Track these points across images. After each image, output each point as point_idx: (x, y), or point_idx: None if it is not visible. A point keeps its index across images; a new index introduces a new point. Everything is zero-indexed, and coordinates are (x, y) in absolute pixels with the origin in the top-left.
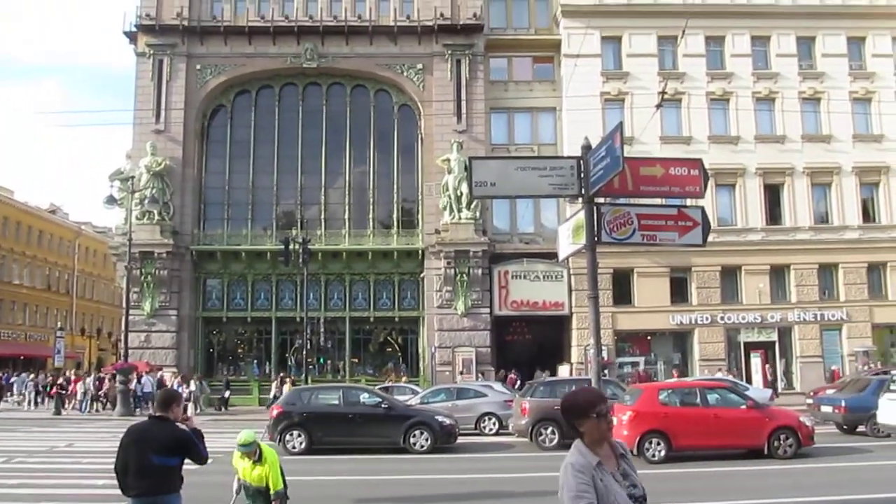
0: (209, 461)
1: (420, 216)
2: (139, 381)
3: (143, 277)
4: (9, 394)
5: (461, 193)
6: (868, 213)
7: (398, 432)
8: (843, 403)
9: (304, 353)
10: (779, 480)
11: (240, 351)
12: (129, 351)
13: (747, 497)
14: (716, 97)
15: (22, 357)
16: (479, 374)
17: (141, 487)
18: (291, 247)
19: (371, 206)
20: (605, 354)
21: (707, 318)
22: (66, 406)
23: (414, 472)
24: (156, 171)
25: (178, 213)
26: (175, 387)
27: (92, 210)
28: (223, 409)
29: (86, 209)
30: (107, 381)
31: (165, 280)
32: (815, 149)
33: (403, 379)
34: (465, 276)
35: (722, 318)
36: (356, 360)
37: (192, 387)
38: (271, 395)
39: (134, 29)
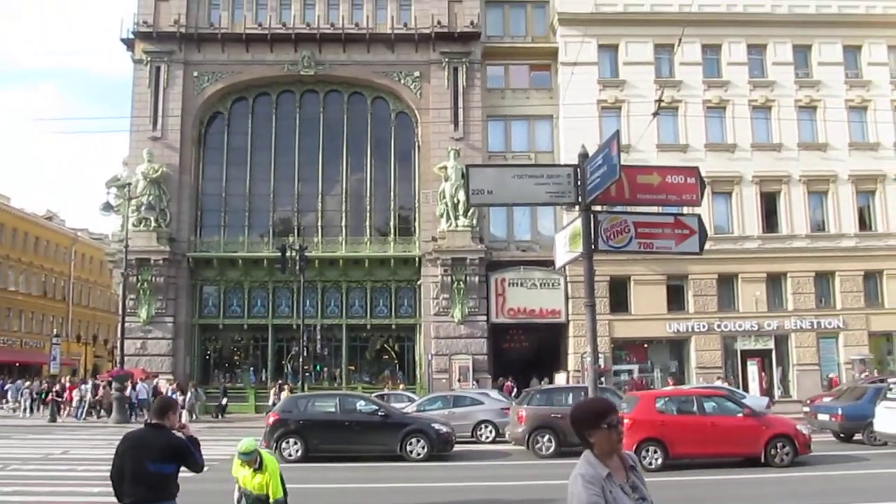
0: (205, 469)
1: (417, 224)
2: (133, 388)
3: (139, 284)
4: (3, 401)
5: (458, 201)
6: (864, 222)
7: (395, 440)
8: (839, 412)
9: (301, 360)
10: (775, 489)
11: (236, 358)
12: (125, 358)
13: None
14: (712, 105)
15: (18, 364)
16: (474, 382)
17: (136, 495)
18: (288, 254)
19: (368, 214)
20: (601, 362)
21: (704, 326)
22: (62, 413)
23: (410, 480)
24: (153, 178)
25: (175, 220)
26: (169, 394)
27: (88, 217)
28: (219, 416)
29: (82, 216)
30: (101, 388)
31: (162, 287)
32: (811, 157)
33: (401, 386)
34: (461, 283)
35: (718, 326)
36: (353, 368)
37: (189, 395)
38: (270, 403)
39: (131, 36)
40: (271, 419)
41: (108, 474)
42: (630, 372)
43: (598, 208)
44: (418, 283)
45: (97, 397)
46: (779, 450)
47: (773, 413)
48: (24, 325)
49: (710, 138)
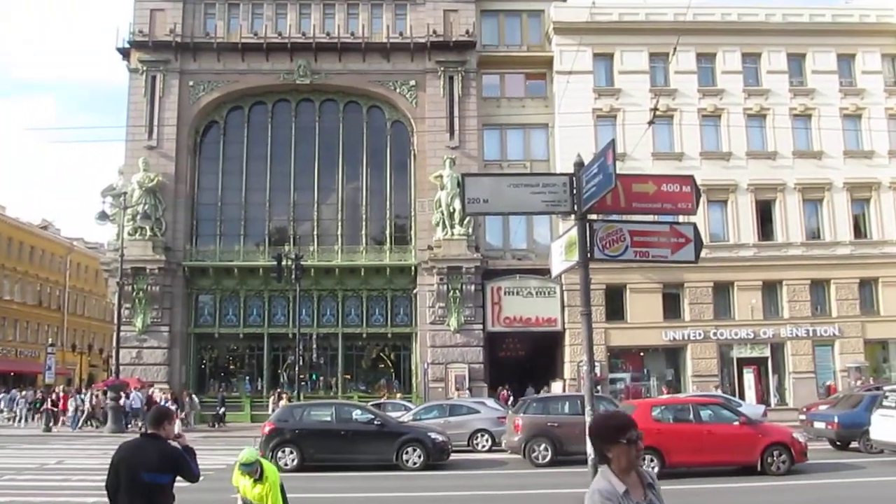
0: (201, 479)
1: (413, 232)
2: (127, 397)
3: (134, 293)
4: None
5: (454, 209)
6: (859, 229)
7: (391, 449)
8: (835, 419)
9: (297, 369)
10: (772, 497)
11: (232, 367)
12: (121, 367)
13: None
14: (707, 114)
15: (12, 373)
16: (467, 391)
17: None
18: (284, 263)
19: (364, 223)
20: (598, 371)
21: (700, 334)
22: (58, 423)
23: (406, 490)
24: (148, 187)
25: (171, 229)
26: (163, 403)
27: (84, 226)
28: (216, 425)
29: (78, 225)
30: (94, 396)
31: (157, 296)
32: (806, 165)
33: (398, 395)
34: (457, 292)
35: (714, 334)
36: (349, 377)
37: (186, 404)
38: (269, 412)
39: (127, 45)
40: (267, 428)
41: (104, 484)
42: (620, 380)
43: (594, 217)
44: (414, 291)
45: (94, 406)
46: (775, 458)
47: (770, 421)
48: (19, 335)
49: (705, 147)
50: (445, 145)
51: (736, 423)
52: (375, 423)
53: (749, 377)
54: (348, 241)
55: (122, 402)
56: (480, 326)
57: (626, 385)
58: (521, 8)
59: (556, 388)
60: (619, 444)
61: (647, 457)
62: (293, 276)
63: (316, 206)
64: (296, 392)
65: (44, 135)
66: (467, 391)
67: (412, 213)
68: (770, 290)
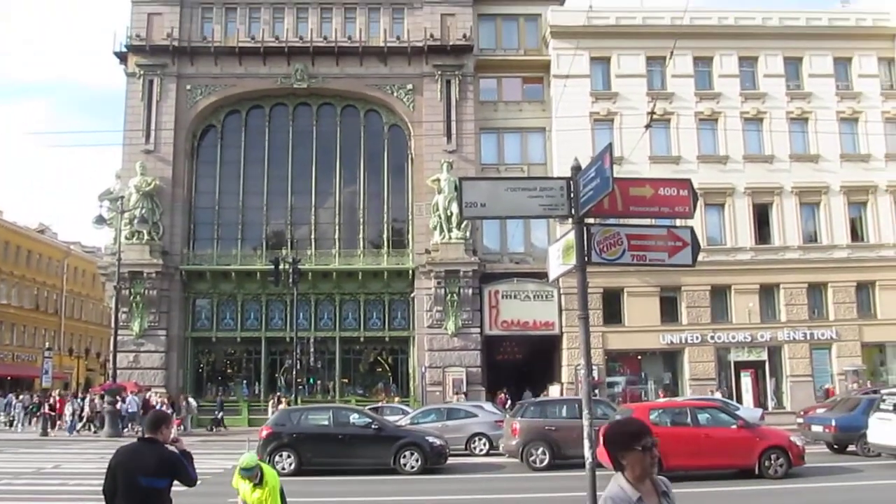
0: (198, 483)
1: (410, 236)
2: (123, 401)
3: (131, 297)
4: None
5: (451, 213)
6: (856, 233)
7: (388, 453)
8: (833, 423)
9: (294, 373)
10: (769, 501)
11: (229, 371)
12: (118, 371)
13: None
14: (704, 117)
15: (9, 377)
16: (462, 395)
17: None
18: (281, 267)
19: (361, 226)
20: (595, 374)
21: (697, 338)
22: (55, 427)
23: (404, 494)
24: (145, 191)
25: (168, 233)
26: (159, 407)
27: (81, 230)
28: (214, 429)
29: (75, 229)
30: (91, 400)
31: (154, 300)
32: (803, 168)
33: (396, 399)
34: (455, 295)
35: (712, 338)
36: (346, 381)
37: (182, 408)
38: (268, 416)
39: (124, 49)
40: (264, 432)
41: (101, 489)
42: (618, 384)
43: (591, 221)
44: (412, 295)
45: (92, 410)
46: (773, 461)
47: (767, 424)
48: (16, 339)
49: (702, 150)
50: (443, 149)
51: (733, 426)
52: (373, 426)
53: (746, 380)
54: (346, 245)
55: (118, 406)
56: (478, 330)
57: (624, 389)
58: (518, 12)
59: (554, 391)
60: (633, 450)
61: None
62: (290, 280)
63: (313, 209)
64: (293, 396)
65: (41, 139)
66: (461, 395)
67: (410, 217)
68: (767, 293)
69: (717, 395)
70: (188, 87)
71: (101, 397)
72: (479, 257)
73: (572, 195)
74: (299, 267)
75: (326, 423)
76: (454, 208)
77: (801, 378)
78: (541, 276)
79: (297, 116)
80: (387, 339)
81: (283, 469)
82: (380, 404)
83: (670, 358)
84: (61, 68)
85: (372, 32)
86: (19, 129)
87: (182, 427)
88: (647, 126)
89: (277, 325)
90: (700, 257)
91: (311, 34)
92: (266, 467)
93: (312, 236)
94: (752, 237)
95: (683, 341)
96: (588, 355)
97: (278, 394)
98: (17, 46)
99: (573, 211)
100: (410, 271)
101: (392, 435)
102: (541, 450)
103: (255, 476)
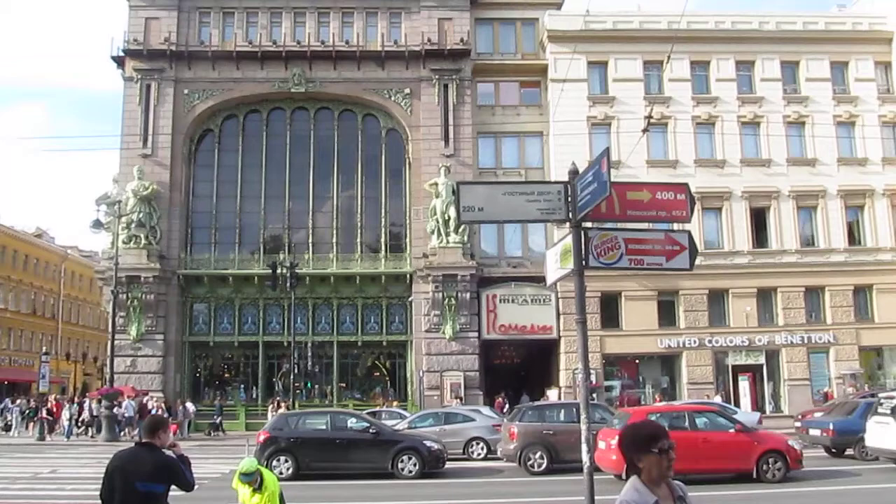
0: (196, 488)
1: (408, 240)
2: (119, 406)
3: (129, 302)
4: None
5: (449, 217)
6: (853, 236)
7: (386, 458)
8: (830, 426)
9: (292, 377)
10: None
11: (227, 375)
12: (115, 376)
13: None
14: (701, 121)
15: (6, 382)
16: (458, 399)
17: None
18: (279, 271)
19: (359, 231)
20: (593, 378)
21: (695, 342)
22: (52, 432)
23: (402, 498)
24: (143, 196)
25: (165, 238)
26: (154, 412)
27: (78, 234)
28: (211, 433)
29: (72, 233)
30: (89, 406)
31: (152, 304)
32: (800, 172)
33: (394, 404)
34: (452, 299)
35: (710, 342)
36: (344, 385)
37: (178, 413)
38: (268, 420)
39: (122, 54)
40: (262, 437)
41: (98, 494)
42: (613, 388)
43: (589, 225)
44: (409, 299)
45: (91, 415)
46: (770, 465)
47: (765, 428)
48: (13, 343)
49: (699, 154)
50: (440, 153)
51: (731, 430)
52: (371, 431)
53: (744, 384)
54: (343, 249)
55: (115, 410)
56: (476, 334)
57: (621, 393)
58: (515, 16)
59: (552, 395)
60: (650, 453)
61: None
62: (288, 285)
63: (311, 214)
64: (291, 400)
65: (38, 143)
66: (457, 399)
67: (407, 221)
68: (765, 297)
69: (718, 399)
70: (186, 91)
71: (99, 402)
72: (477, 261)
73: (570, 199)
74: (297, 271)
75: (324, 427)
76: (452, 212)
77: (798, 382)
78: (538, 280)
79: (295, 120)
80: (384, 343)
81: (281, 474)
82: (377, 408)
83: (668, 362)
84: (58, 72)
85: (369, 37)
86: (16, 133)
87: (179, 432)
88: (645, 130)
89: (275, 329)
90: (697, 261)
91: (308, 38)
92: (266, 472)
93: (310, 240)
94: (750, 241)
95: (681, 345)
96: (586, 359)
97: (277, 398)
98: (14, 50)
99: (571, 215)
100: (408, 275)
101: (390, 439)
102: (539, 454)
103: (254, 481)
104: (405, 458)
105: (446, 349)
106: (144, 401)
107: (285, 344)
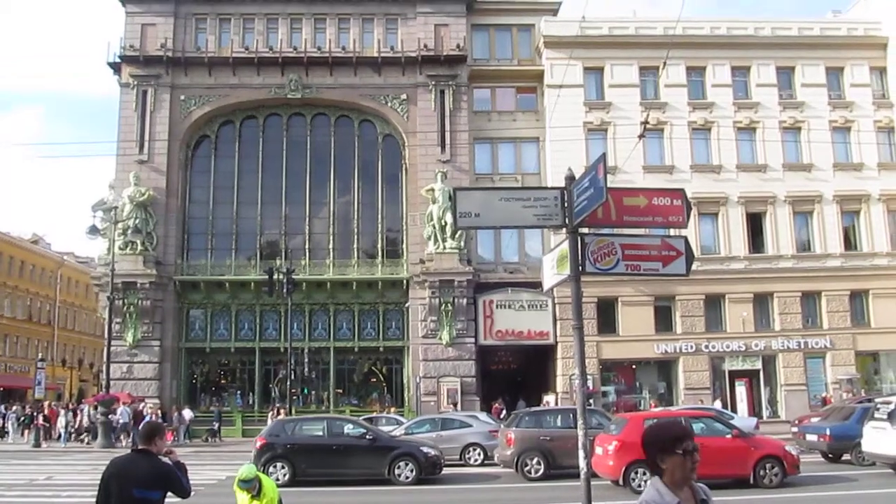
0: (192, 495)
1: (404, 246)
2: (115, 412)
3: (125, 308)
4: None
5: (445, 223)
6: (850, 241)
7: (383, 463)
8: (827, 432)
9: (288, 383)
10: None
11: (223, 382)
12: (111, 382)
13: None
14: (697, 127)
15: (2, 388)
16: (453, 405)
17: None
18: (275, 277)
19: (355, 236)
20: (590, 384)
21: (691, 347)
22: (50, 438)
23: None
24: (139, 202)
25: (162, 244)
26: (149, 419)
27: (75, 240)
28: (209, 440)
29: (68, 239)
30: (79, 412)
31: (148, 310)
32: (796, 177)
33: (392, 410)
34: (449, 305)
35: (706, 347)
36: (340, 391)
37: (173, 419)
38: None
39: (118, 60)
40: (259, 443)
41: (94, 501)
42: (608, 394)
43: (585, 231)
44: (406, 305)
45: (90, 420)
46: (768, 471)
47: (762, 434)
48: (9, 350)
49: (695, 159)
50: (437, 159)
51: (728, 435)
52: (367, 437)
53: (741, 389)
54: (340, 255)
55: (110, 417)
56: (472, 340)
57: (618, 398)
58: (511, 22)
59: (550, 401)
60: (674, 454)
61: (640, 470)
62: (284, 290)
63: (307, 219)
64: (288, 406)
65: (34, 149)
66: (452, 406)
67: (404, 227)
68: (761, 302)
69: (717, 404)
70: (182, 97)
71: (95, 408)
72: (474, 267)
73: (566, 205)
74: (293, 277)
75: (321, 433)
76: (448, 218)
77: (795, 387)
78: (535, 285)
79: (291, 126)
80: (381, 349)
81: (278, 480)
82: (374, 415)
83: (665, 367)
84: (54, 78)
85: (366, 43)
86: (12, 138)
87: (175, 438)
88: (641, 136)
89: (271, 335)
90: (694, 266)
91: (304, 44)
92: (265, 479)
93: (306, 246)
94: (746, 246)
95: (678, 350)
96: (582, 365)
97: (277, 405)
98: (10, 55)
99: (567, 221)
100: (405, 281)
101: (386, 445)
102: (536, 460)
103: (253, 488)
104: (402, 464)
105: (443, 355)
106: (140, 407)
107: (282, 350)
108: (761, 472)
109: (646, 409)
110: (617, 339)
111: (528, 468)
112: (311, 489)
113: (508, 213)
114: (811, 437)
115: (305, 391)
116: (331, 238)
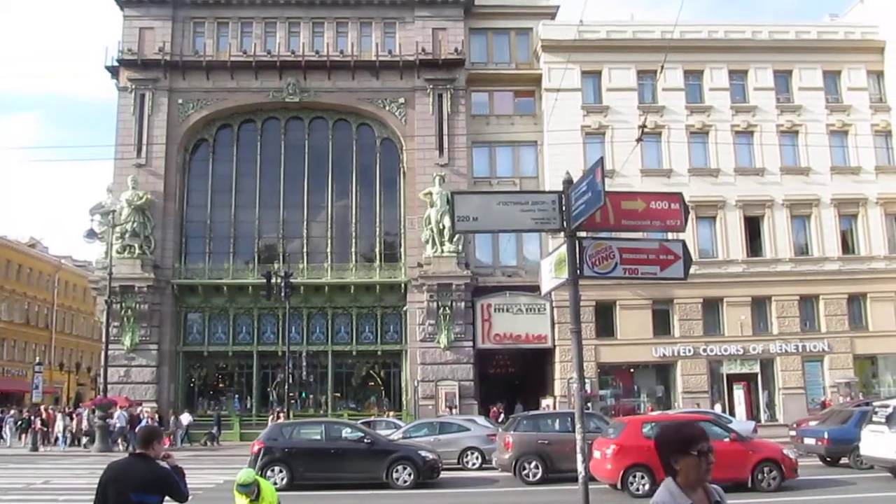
0: (189, 499)
1: (402, 249)
2: (111, 416)
3: (123, 312)
4: None
5: (443, 227)
6: (847, 245)
7: (381, 467)
8: (825, 435)
9: (286, 387)
10: None
11: (221, 385)
12: (109, 386)
13: None
14: (695, 130)
15: None
16: (449, 409)
17: None
18: (273, 280)
19: (353, 240)
20: (588, 387)
21: (689, 351)
22: (48, 442)
23: None
24: (137, 205)
25: (160, 247)
26: (146, 423)
27: (72, 244)
28: (208, 444)
29: (66, 243)
30: (77, 415)
31: (146, 314)
32: (793, 181)
33: (390, 414)
34: (447, 309)
35: (704, 350)
36: (338, 395)
37: (170, 423)
38: None
39: (116, 64)
40: (256, 447)
41: None
42: (605, 397)
43: (583, 234)
44: (404, 308)
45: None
46: (766, 474)
47: (760, 437)
48: (7, 353)
49: (693, 163)
50: (435, 162)
51: (726, 439)
52: (365, 441)
53: (739, 393)
54: (338, 259)
55: (108, 421)
56: (470, 343)
57: (616, 402)
58: (509, 26)
59: (548, 404)
60: (689, 455)
61: (639, 474)
62: (282, 294)
63: (305, 223)
64: (286, 410)
65: (31, 152)
66: (447, 409)
67: (402, 231)
68: (759, 305)
69: (717, 408)
70: (180, 101)
71: (93, 412)
72: (472, 271)
73: (564, 209)
74: (291, 281)
75: (319, 437)
76: (446, 222)
77: (793, 390)
78: (533, 289)
79: (289, 130)
80: (379, 352)
81: (275, 484)
82: (372, 418)
83: (663, 371)
84: (52, 82)
85: (364, 47)
86: (10, 142)
87: (172, 442)
88: (639, 139)
89: (269, 339)
90: (692, 270)
91: (302, 48)
92: (263, 483)
93: (304, 250)
94: (744, 250)
95: (676, 354)
96: (580, 369)
97: (277, 409)
98: (7, 59)
99: (565, 224)
100: (402, 285)
101: (384, 449)
102: (534, 464)
103: (251, 492)
104: (400, 467)
105: (441, 359)
106: (137, 411)
107: (280, 354)
108: (759, 476)
109: (643, 413)
110: (615, 342)
111: (526, 472)
112: (309, 493)
113: (506, 216)
114: (809, 441)
115: (303, 395)
116: (329, 242)
